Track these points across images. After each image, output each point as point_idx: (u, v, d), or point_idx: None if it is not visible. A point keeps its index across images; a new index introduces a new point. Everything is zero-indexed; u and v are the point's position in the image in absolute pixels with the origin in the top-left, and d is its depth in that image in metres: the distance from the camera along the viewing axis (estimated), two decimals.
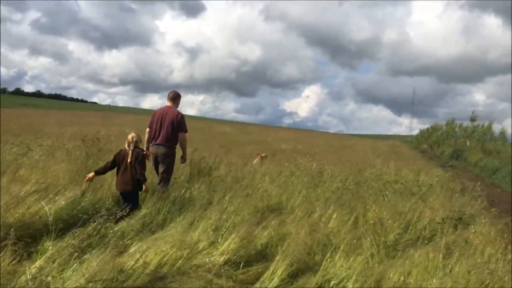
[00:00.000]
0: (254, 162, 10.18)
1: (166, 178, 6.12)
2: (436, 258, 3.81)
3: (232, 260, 3.77)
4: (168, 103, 6.42)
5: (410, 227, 5.02)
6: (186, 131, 6.33)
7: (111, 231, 4.25)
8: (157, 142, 6.16)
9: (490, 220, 5.08)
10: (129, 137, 5.70)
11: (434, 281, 3.47)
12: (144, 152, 5.72)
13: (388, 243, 4.39)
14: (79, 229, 3.91)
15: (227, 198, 5.67)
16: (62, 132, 13.09)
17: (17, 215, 4.23)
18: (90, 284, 3.06)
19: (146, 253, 3.64)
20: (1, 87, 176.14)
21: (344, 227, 4.76)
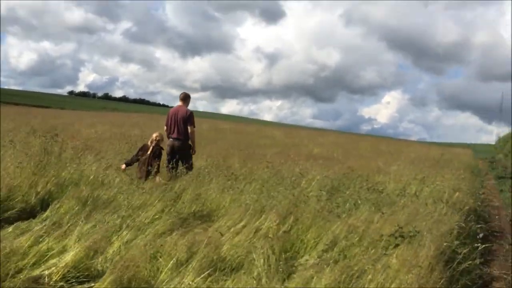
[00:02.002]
0: None
1: (189, 167, 7.00)
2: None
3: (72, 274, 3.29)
4: (179, 103, 7.45)
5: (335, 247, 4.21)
6: (194, 125, 7.25)
7: None
8: (173, 136, 7.17)
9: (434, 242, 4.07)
10: (154, 136, 7.14)
11: None
12: (163, 149, 7.07)
13: (281, 263, 3.67)
14: None
15: (156, 201, 5.22)
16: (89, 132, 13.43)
17: None
18: None
19: None
20: (91, 92, 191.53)
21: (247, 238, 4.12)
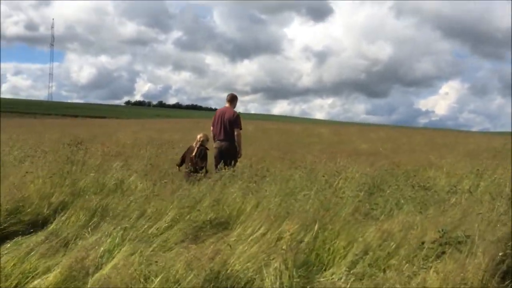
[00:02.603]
0: None
1: (233, 164, 6.89)
2: None
3: None
4: (226, 104, 7.35)
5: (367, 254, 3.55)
6: (240, 128, 7.14)
7: None
8: (220, 138, 7.09)
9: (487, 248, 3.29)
10: (198, 137, 7.26)
11: None
12: (208, 149, 7.22)
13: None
14: None
15: (170, 207, 4.79)
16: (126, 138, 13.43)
17: None
18: None
19: None
20: (146, 101, 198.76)
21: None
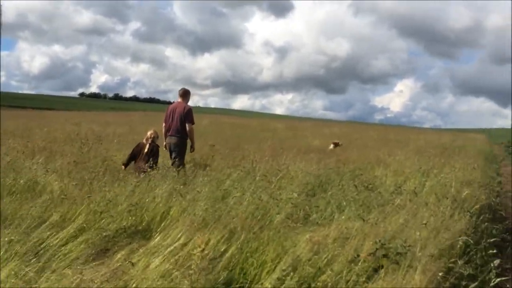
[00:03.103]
0: (330, 148, 12.14)
1: (177, 163, 6.70)
2: None
3: None
4: (179, 99, 7.17)
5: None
6: (193, 123, 7.00)
7: None
8: (170, 133, 6.96)
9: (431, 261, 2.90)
10: (148, 133, 7.17)
11: None
12: (159, 146, 7.10)
13: None
14: None
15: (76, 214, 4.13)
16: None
17: None
18: None
19: None
20: (103, 93, 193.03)
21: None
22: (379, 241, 3.17)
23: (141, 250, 3.62)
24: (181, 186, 4.93)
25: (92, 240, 3.73)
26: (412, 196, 5.09)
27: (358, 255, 3.11)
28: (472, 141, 24.15)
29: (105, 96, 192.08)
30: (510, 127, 48.75)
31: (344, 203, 4.90)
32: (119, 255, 3.52)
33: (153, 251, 3.61)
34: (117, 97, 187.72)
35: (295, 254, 3.23)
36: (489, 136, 42.64)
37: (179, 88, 7.15)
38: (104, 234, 3.84)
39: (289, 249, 3.39)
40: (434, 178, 6.19)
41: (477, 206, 5.03)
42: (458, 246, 3.56)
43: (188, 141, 7.08)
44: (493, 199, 5.95)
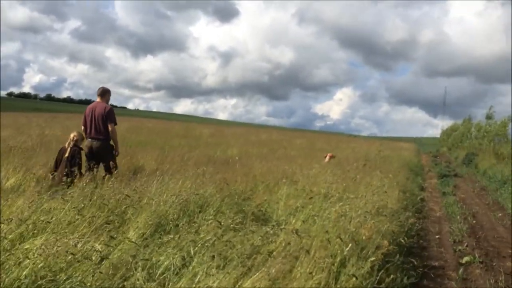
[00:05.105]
0: (324, 161, 11.16)
1: (109, 169, 6.24)
2: None
3: None
4: (97, 99, 6.77)
5: None
6: (115, 123, 6.65)
7: None
8: (91, 136, 6.54)
9: None
10: (71, 135, 6.59)
11: None
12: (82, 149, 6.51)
13: None
14: None
15: None
16: None
17: None
18: None
19: None
20: (34, 93, 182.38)
21: None
22: None
23: None
24: None
25: None
26: (295, 237, 3.60)
27: None
28: (401, 151, 23.84)
29: (35, 97, 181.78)
30: (439, 136, 50.52)
31: (197, 249, 3.33)
32: None
33: None
34: (49, 98, 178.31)
35: None
36: (419, 144, 43.58)
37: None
38: None
39: None
40: (335, 205, 4.77)
41: (382, 251, 3.65)
42: None
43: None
44: (404, 237, 4.62)
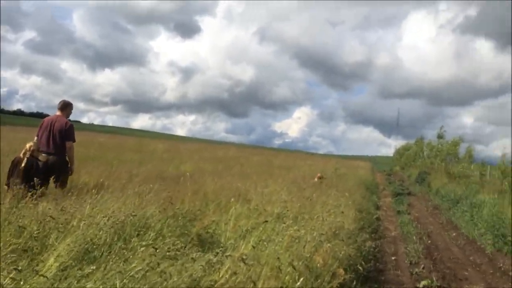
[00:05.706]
0: (314, 180, 11.24)
1: (61, 184, 5.98)
2: None
3: None
4: (57, 113, 6.45)
5: None
6: (74, 141, 6.44)
7: None
8: (48, 150, 6.21)
9: None
10: (27, 146, 6.19)
11: None
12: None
13: None
14: None
15: None
16: None
17: None
18: None
19: None
20: None
21: None
22: None
23: None
24: None
25: None
26: (241, 265, 3.17)
27: None
28: (357, 169, 24.02)
29: None
30: (392, 156, 51.94)
31: (119, 285, 2.83)
32: None
33: None
34: None
35: None
36: (374, 163, 44.49)
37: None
38: None
39: None
40: (289, 229, 4.38)
41: (339, 280, 3.28)
42: None
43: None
44: (362, 262, 4.30)
